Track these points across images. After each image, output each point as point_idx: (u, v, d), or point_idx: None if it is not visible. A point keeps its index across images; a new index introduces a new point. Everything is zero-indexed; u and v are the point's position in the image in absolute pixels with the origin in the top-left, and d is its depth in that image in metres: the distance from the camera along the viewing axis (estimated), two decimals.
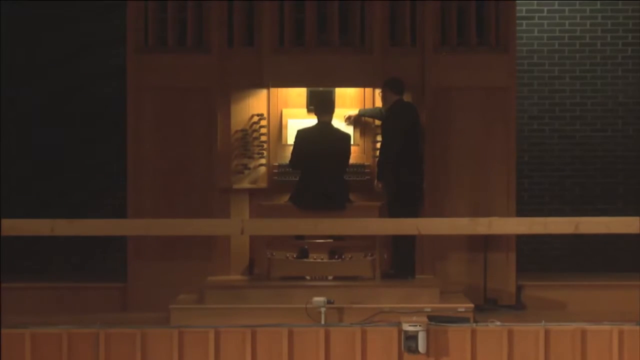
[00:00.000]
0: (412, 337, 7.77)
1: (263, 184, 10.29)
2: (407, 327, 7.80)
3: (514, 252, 10.28)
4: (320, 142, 9.75)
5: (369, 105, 10.40)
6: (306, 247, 9.57)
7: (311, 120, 10.00)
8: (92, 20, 11.68)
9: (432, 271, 10.17)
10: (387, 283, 9.44)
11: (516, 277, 10.27)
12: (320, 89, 10.35)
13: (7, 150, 11.46)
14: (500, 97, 10.30)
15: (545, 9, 11.79)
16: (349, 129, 10.24)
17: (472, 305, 8.98)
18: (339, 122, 10.24)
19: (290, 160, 9.89)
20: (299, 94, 10.39)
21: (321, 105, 9.97)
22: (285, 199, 9.91)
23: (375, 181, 9.99)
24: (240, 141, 10.34)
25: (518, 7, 11.06)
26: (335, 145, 9.79)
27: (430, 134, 10.25)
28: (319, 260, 9.55)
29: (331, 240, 9.55)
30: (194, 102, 10.31)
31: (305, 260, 9.53)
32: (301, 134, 9.85)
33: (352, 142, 10.01)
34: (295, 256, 9.54)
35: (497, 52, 10.32)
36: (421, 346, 7.78)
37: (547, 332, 7.85)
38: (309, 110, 10.31)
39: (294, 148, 9.86)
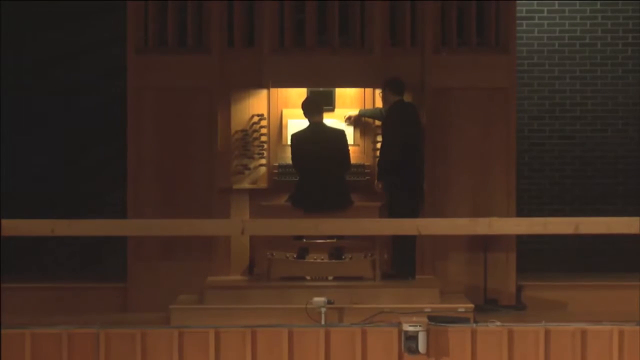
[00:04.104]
0: (412, 338, 7.77)
1: (263, 184, 10.29)
2: (407, 327, 7.80)
3: (514, 252, 10.28)
4: (315, 144, 9.74)
5: (369, 106, 10.40)
6: (307, 246, 9.58)
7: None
8: (92, 20, 11.68)
9: (432, 271, 10.17)
10: (387, 283, 9.44)
11: (516, 277, 10.27)
12: (320, 89, 10.35)
13: (7, 150, 11.46)
14: (501, 97, 10.29)
15: (546, 9, 11.80)
16: (349, 129, 10.24)
17: (472, 305, 8.99)
18: (339, 122, 10.26)
19: (293, 165, 9.91)
20: (300, 94, 10.38)
21: (309, 106, 9.94)
22: (285, 199, 9.90)
23: (376, 181, 10.00)
24: (241, 141, 10.34)
25: (518, 8, 11.06)
26: (329, 144, 9.78)
27: (430, 134, 10.25)
28: (319, 261, 9.55)
29: (335, 240, 9.55)
30: (194, 102, 10.31)
31: (306, 260, 9.53)
32: (295, 138, 9.86)
33: (347, 138, 9.96)
34: (295, 256, 9.54)
35: (497, 52, 10.32)
36: (421, 346, 7.78)
37: (547, 332, 7.85)
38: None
39: (291, 153, 9.87)
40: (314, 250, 9.56)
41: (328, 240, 9.56)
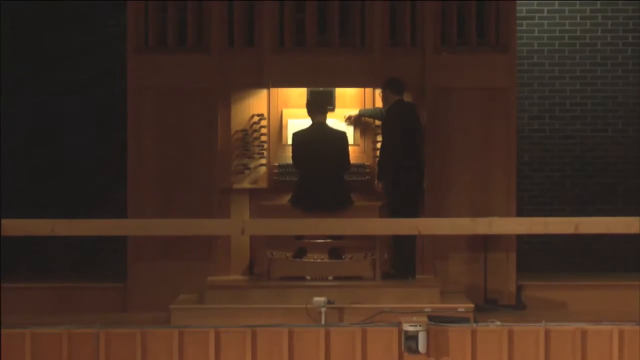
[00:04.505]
0: (412, 337, 7.78)
1: (263, 184, 10.29)
2: (407, 327, 7.81)
3: (514, 252, 10.28)
4: (316, 143, 9.75)
5: (369, 105, 10.40)
6: (305, 246, 9.57)
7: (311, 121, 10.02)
8: (92, 20, 11.67)
9: (432, 271, 10.17)
10: (387, 283, 9.44)
11: (516, 277, 10.27)
12: (321, 89, 10.36)
13: (7, 150, 11.46)
14: (501, 97, 10.29)
15: (546, 9, 11.80)
16: (349, 129, 10.24)
17: (472, 305, 8.99)
18: (339, 122, 10.26)
19: (293, 163, 9.91)
20: (299, 94, 10.39)
21: (314, 106, 9.96)
22: (285, 198, 9.91)
23: (376, 181, 10.00)
24: (241, 141, 10.34)
25: (518, 7, 11.06)
26: (331, 145, 9.79)
27: (430, 134, 10.25)
28: (319, 260, 9.55)
29: (330, 241, 9.55)
30: (194, 102, 10.31)
31: (306, 260, 9.53)
32: (297, 137, 9.87)
33: (348, 140, 9.99)
34: (292, 255, 9.53)
35: (497, 52, 10.32)
36: (421, 346, 7.78)
37: (547, 332, 7.86)
38: None
39: (292, 151, 9.88)
40: (312, 250, 9.56)
41: (327, 240, 9.56)
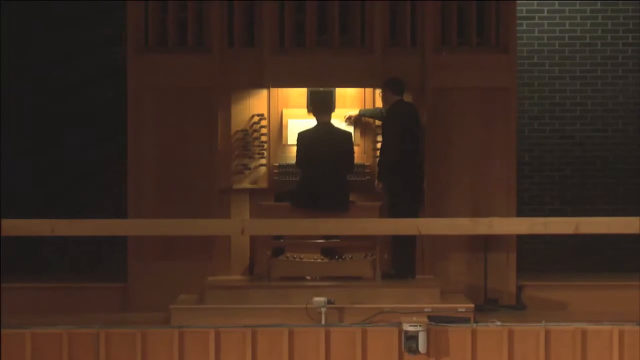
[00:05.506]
0: (412, 337, 7.78)
1: (263, 184, 10.29)
2: (407, 327, 7.81)
3: (514, 252, 10.28)
4: (322, 143, 9.75)
5: (369, 105, 10.40)
6: (282, 246, 9.58)
7: (312, 121, 10.01)
8: (92, 20, 11.67)
9: (433, 271, 10.16)
10: (387, 283, 9.44)
11: (516, 277, 10.27)
12: (321, 89, 10.36)
13: (7, 150, 11.45)
14: (501, 97, 10.29)
15: (546, 9, 11.80)
16: (349, 129, 10.24)
17: (472, 305, 8.99)
18: (339, 122, 10.25)
19: (297, 163, 9.90)
20: (300, 94, 10.39)
21: (320, 105, 9.97)
22: (280, 192, 9.92)
23: (376, 181, 10.00)
24: (241, 141, 10.34)
25: (518, 7, 11.06)
26: (336, 145, 9.80)
27: (430, 134, 10.25)
28: (319, 261, 9.55)
29: (324, 241, 9.56)
30: (194, 102, 10.30)
31: (306, 260, 9.54)
32: (302, 136, 9.86)
33: (352, 140, 9.99)
34: (269, 254, 9.52)
35: (497, 52, 10.32)
36: (421, 346, 7.79)
37: (547, 332, 7.86)
38: (309, 111, 10.32)
39: (297, 151, 9.86)
40: (313, 251, 9.57)
41: (324, 240, 9.57)
